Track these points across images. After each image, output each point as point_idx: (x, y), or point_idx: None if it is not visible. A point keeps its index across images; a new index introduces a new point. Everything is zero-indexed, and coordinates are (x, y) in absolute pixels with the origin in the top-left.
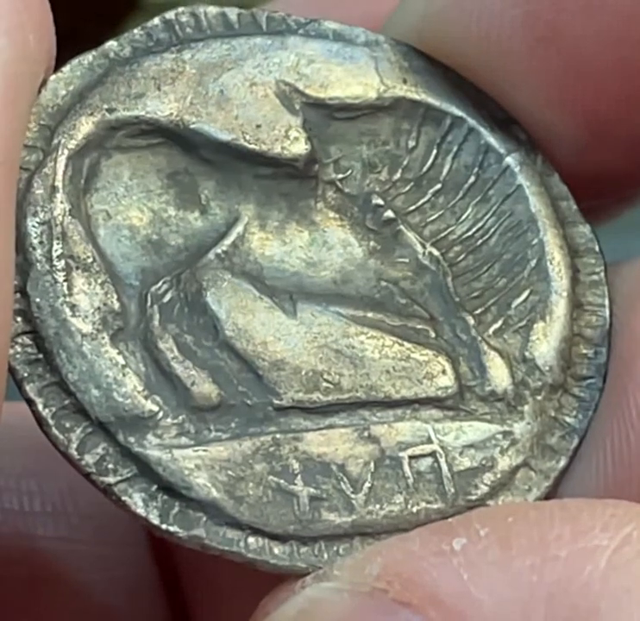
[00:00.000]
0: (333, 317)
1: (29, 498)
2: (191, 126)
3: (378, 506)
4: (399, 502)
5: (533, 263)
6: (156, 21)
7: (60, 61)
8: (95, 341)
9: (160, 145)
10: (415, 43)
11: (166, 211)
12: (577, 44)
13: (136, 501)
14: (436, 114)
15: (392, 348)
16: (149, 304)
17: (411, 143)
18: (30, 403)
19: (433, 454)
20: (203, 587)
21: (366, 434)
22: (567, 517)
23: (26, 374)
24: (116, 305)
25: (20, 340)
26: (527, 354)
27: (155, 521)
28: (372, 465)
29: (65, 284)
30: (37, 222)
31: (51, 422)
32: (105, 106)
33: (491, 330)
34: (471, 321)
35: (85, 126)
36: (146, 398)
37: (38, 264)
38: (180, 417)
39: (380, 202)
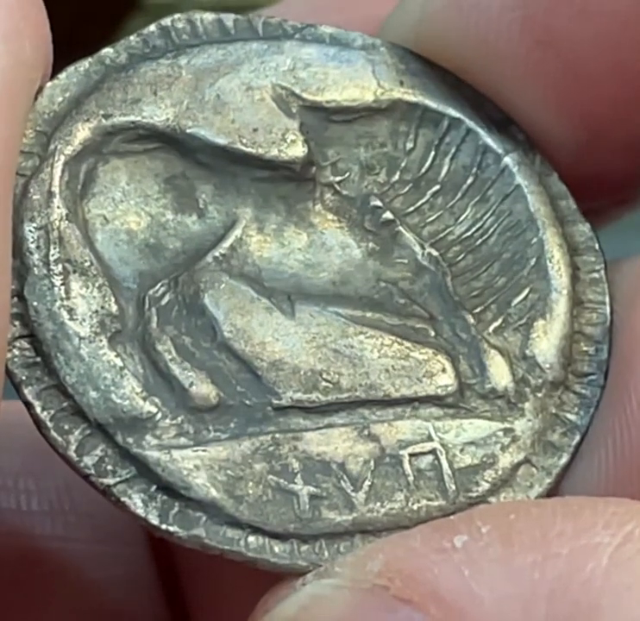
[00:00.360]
0: (331, 317)
1: (27, 497)
2: (188, 130)
3: (378, 504)
4: (400, 500)
5: (532, 262)
6: (152, 27)
7: (57, 68)
8: (93, 343)
9: (156, 150)
10: (412, 46)
11: (164, 215)
12: (574, 47)
13: (136, 502)
14: (434, 115)
15: (391, 347)
16: (147, 306)
17: (409, 145)
18: (28, 406)
19: (433, 451)
20: (202, 586)
21: (365, 432)
22: (568, 514)
23: (24, 377)
24: (114, 308)
25: (18, 343)
26: (527, 351)
27: (155, 521)
28: (372, 463)
29: (62, 287)
30: (34, 227)
31: (49, 424)
32: (102, 112)
33: (491, 329)
34: (470, 319)
35: (82, 132)
36: (144, 399)
37: (35, 268)
38: (179, 418)
39: (379, 203)
